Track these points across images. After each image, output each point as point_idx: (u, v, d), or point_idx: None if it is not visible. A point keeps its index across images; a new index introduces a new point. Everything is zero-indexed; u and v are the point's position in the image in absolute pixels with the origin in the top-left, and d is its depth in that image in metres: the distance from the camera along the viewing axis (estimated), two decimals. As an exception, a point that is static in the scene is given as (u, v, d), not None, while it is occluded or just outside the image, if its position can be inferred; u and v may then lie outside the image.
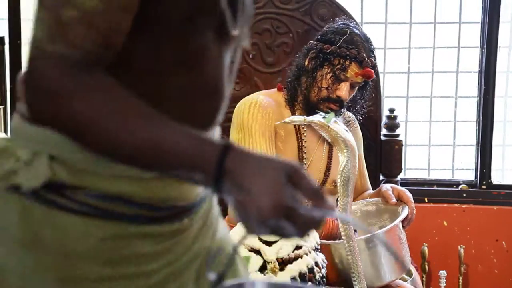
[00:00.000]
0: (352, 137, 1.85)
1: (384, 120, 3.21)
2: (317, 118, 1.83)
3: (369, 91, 2.50)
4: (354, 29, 2.41)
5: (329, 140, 1.84)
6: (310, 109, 2.40)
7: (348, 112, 2.59)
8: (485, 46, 3.29)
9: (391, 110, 3.21)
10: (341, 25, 2.44)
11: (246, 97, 2.50)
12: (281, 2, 3.07)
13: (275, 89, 2.58)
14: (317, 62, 2.39)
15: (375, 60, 2.41)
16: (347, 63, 2.34)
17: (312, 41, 2.49)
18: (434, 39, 3.39)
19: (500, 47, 3.31)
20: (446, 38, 3.39)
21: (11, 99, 3.38)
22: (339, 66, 2.34)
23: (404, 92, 3.43)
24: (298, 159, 2.42)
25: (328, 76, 2.35)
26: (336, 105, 2.38)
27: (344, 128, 1.83)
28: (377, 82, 3.08)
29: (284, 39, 3.10)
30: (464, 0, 3.36)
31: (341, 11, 3.04)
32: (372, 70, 2.36)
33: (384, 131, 3.19)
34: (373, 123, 3.11)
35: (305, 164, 2.44)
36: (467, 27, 3.37)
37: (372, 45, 2.42)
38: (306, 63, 2.43)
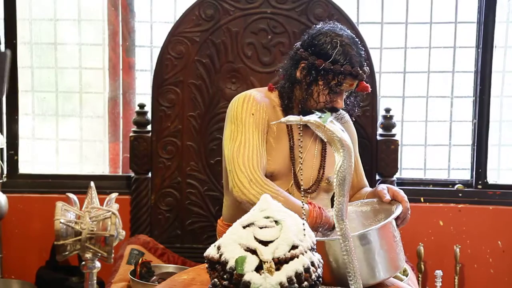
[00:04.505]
0: (348, 137, 1.85)
1: (380, 120, 3.21)
2: (313, 118, 1.83)
3: (361, 93, 2.49)
4: (343, 36, 2.35)
5: (325, 140, 1.84)
6: (305, 114, 2.40)
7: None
8: (481, 46, 3.30)
9: (387, 110, 3.21)
10: (328, 33, 2.37)
11: (240, 93, 2.49)
12: (277, 2, 3.07)
13: (266, 88, 2.57)
14: (311, 77, 2.37)
15: (368, 64, 2.38)
16: (341, 78, 2.33)
17: (300, 47, 2.42)
18: (430, 39, 3.39)
19: (495, 47, 3.32)
20: (442, 38, 3.40)
21: (7, 99, 3.37)
22: (334, 81, 2.34)
23: (400, 92, 3.44)
24: (290, 158, 2.43)
25: (324, 91, 2.35)
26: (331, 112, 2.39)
27: (340, 128, 1.83)
28: (373, 82, 3.09)
29: (280, 38, 3.11)
30: (460, 0, 3.37)
31: (337, 11, 3.05)
32: (368, 85, 2.37)
33: (380, 130, 3.20)
34: (369, 122, 3.11)
35: (300, 163, 2.44)
36: (463, 27, 3.38)
37: (361, 48, 2.38)
38: (298, 74, 2.41)
